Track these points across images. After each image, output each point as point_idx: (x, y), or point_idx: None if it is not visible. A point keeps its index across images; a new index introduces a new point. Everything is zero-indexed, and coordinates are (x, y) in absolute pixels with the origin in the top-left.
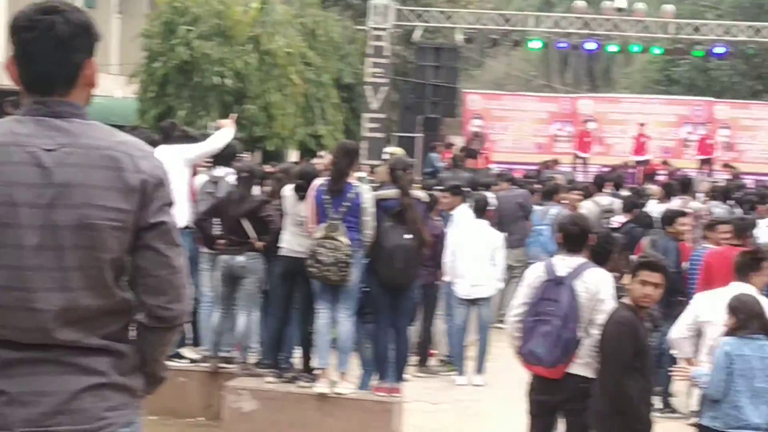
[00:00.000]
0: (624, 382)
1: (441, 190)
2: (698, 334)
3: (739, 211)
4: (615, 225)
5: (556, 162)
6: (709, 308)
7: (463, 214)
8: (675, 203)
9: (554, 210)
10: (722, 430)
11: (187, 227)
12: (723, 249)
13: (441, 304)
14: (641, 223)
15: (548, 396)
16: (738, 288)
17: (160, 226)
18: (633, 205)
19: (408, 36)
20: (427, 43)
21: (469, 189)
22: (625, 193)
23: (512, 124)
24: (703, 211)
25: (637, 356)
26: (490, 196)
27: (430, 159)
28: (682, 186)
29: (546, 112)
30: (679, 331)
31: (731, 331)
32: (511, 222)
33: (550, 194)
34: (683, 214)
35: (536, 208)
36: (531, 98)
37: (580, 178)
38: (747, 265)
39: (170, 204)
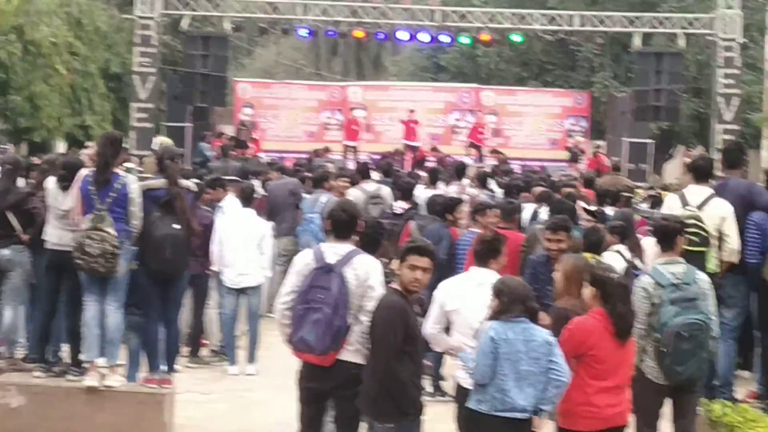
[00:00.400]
0: (394, 367)
1: (206, 185)
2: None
3: (499, 196)
4: (398, 211)
5: (326, 150)
6: (452, 297)
7: (230, 203)
8: (451, 189)
9: (324, 198)
10: (488, 413)
11: None
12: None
13: (212, 294)
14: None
15: (319, 383)
16: (476, 273)
17: None
18: (412, 191)
19: (176, 25)
20: (195, 32)
21: (237, 178)
22: (389, 179)
23: (282, 113)
24: (478, 197)
25: (406, 340)
26: (257, 185)
27: (200, 148)
28: (457, 172)
29: (316, 101)
30: (431, 326)
31: (495, 315)
32: (282, 210)
33: (320, 182)
34: (461, 201)
35: (306, 196)
36: (301, 86)
37: (351, 165)
38: (486, 252)
39: None
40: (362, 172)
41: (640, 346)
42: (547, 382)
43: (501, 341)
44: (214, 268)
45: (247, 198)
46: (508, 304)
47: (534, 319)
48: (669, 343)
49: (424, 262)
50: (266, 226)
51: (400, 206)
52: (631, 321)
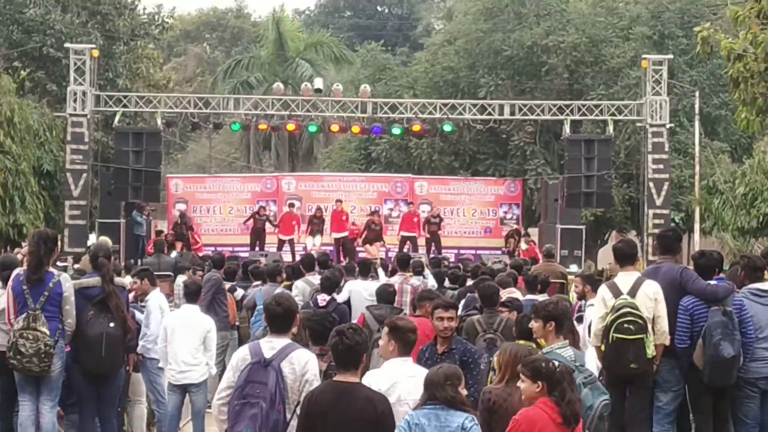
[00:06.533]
0: None
1: (132, 275)
2: None
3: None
4: (321, 303)
5: None
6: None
7: (156, 298)
8: (394, 279)
9: (279, 291)
10: None
11: None
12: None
13: (140, 390)
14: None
15: None
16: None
17: None
18: (335, 284)
19: (108, 121)
20: (126, 128)
21: (169, 273)
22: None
23: (216, 206)
24: (420, 286)
25: None
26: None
27: (133, 216)
28: (399, 263)
29: (249, 192)
30: None
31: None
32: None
33: (274, 275)
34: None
35: (262, 288)
36: (234, 179)
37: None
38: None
39: None
40: (307, 265)
41: None
42: None
43: (413, 425)
44: (161, 364)
45: (191, 294)
46: (424, 392)
47: (455, 405)
48: (592, 424)
49: None
50: (210, 322)
51: (322, 298)
52: (578, 408)
